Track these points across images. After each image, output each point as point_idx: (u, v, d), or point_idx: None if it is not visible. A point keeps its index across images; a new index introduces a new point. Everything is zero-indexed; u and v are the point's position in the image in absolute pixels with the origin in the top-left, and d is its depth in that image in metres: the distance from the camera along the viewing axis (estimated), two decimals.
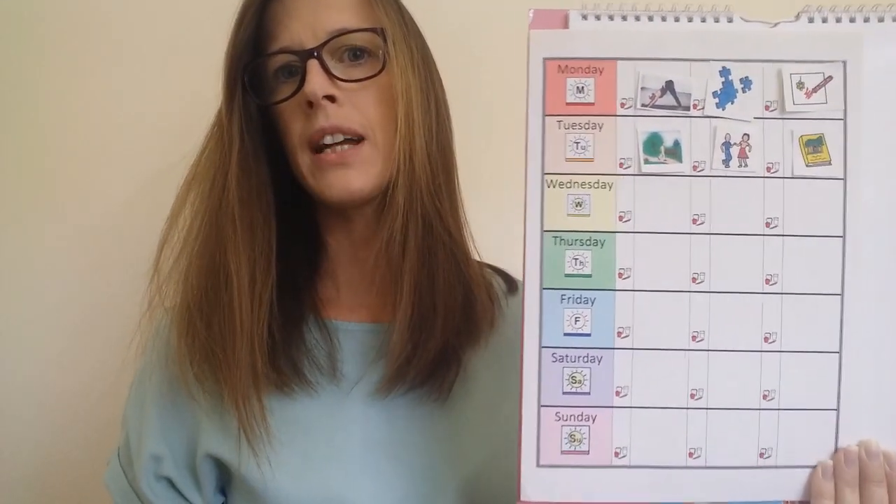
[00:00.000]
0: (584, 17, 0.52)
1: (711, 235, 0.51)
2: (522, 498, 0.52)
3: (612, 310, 0.51)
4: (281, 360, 0.63)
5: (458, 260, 0.64)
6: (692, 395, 0.51)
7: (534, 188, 0.52)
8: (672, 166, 0.52)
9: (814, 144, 0.51)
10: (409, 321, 0.62)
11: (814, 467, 0.51)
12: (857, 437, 0.51)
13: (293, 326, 0.65)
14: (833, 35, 0.51)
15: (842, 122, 0.51)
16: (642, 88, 0.52)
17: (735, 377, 0.51)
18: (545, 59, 0.52)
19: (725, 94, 0.52)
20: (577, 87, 0.52)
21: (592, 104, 0.52)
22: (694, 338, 0.51)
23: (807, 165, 0.51)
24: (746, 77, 0.52)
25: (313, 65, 0.61)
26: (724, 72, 0.52)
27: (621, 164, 0.52)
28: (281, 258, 0.65)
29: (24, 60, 0.91)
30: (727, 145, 0.52)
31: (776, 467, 0.52)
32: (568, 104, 0.52)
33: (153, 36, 0.91)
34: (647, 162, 0.52)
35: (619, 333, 0.51)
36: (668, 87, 0.52)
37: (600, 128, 0.52)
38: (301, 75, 0.61)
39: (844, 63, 0.51)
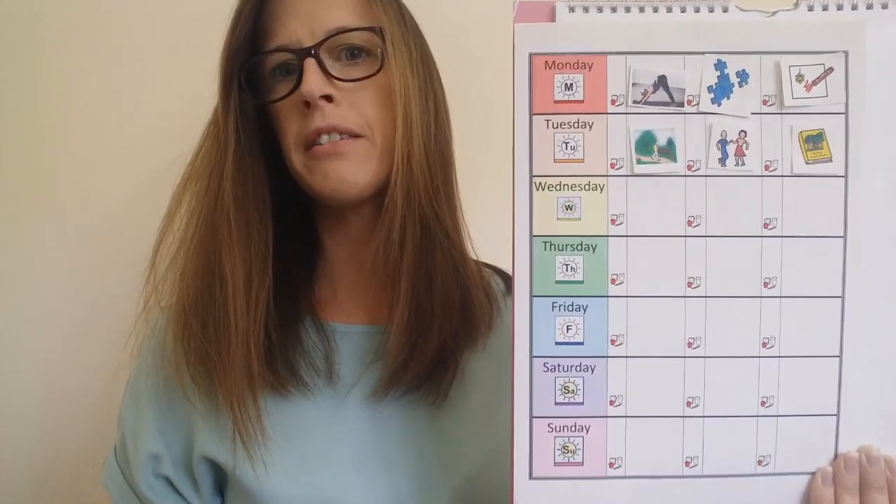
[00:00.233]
0: (572, 10, 0.49)
1: (707, 238, 0.49)
2: None
3: (605, 317, 0.50)
4: (277, 361, 0.62)
5: (455, 261, 0.63)
6: (688, 404, 0.50)
7: (522, 191, 0.50)
8: (666, 166, 0.49)
9: (814, 140, 0.49)
10: (406, 324, 0.61)
11: (813, 474, 0.50)
12: (857, 442, 0.50)
13: (290, 328, 0.64)
14: (834, 24, 0.49)
15: (843, 116, 0.49)
16: (634, 84, 0.49)
17: (732, 384, 0.50)
18: (531, 55, 0.49)
19: (721, 89, 0.49)
20: (566, 84, 0.49)
21: (582, 102, 0.49)
22: (690, 344, 0.50)
23: (806, 163, 0.49)
24: (743, 70, 0.49)
25: (310, 64, 0.60)
26: (720, 65, 0.49)
27: (613, 165, 0.50)
28: (277, 259, 0.64)
29: (22, 60, 0.91)
30: (723, 143, 0.49)
31: (775, 474, 0.50)
32: (556, 102, 0.49)
33: (150, 35, 0.91)
34: (639, 162, 0.49)
35: (613, 341, 0.50)
36: (661, 82, 0.49)
37: (590, 127, 0.49)
38: (298, 74, 0.60)
39: (846, 53, 0.49)
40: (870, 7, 0.49)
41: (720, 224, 0.49)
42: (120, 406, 0.68)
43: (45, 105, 0.91)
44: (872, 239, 0.49)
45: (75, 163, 0.92)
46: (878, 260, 0.50)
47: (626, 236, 0.50)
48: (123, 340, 0.67)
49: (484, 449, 0.63)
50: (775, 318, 0.50)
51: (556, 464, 0.50)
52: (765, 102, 0.49)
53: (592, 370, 0.50)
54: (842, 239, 0.49)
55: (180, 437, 0.64)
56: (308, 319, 0.66)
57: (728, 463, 0.50)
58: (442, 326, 0.61)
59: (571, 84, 0.49)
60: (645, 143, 0.49)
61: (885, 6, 0.49)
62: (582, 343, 0.50)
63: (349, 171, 0.61)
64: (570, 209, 0.50)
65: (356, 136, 0.61)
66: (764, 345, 0.50)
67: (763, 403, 0.50)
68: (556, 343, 0.50)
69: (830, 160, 0.49)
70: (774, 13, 0.49)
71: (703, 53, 0.49)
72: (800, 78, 0.49)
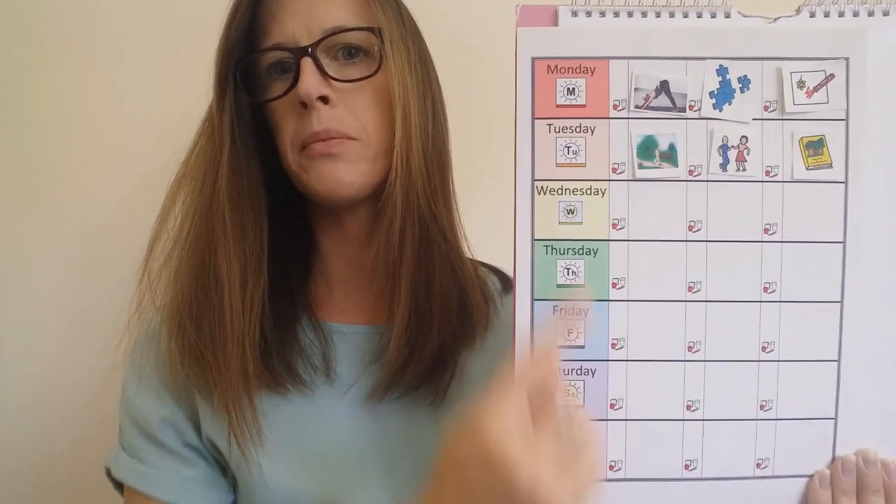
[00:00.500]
0: (575, 14, 0.50)
1: (708, 243, 0.50)
2: None
3: (606, 321, 0.50)
4: (274, 360, 0.62)
5: (452, 262, 0.63)
6: (688, 407, 0.50)
7: (523, 195, 0.50)
8: (667, 171, 0.50)
9: (814, 146, 0.49)
10: (405, 326, 0.61)
11: (811, 477, 0.51)
12: (854, 445, 0.50)
13: (286, 326, 0.64)
14: (835, 30, 0.49)
15: (844, 122, 0.49)
16: (636, 89, 0.49)
17: (732, 388, 0.50)
18: (534, 59, 0.49)
19: (723, 95, 0.49)
20: (568, 89, 0.49)
21: (584, 106, 0.49)
22: (690, 348, 0.50)
23: (807, 168, 0.49)
24: (745, 76, 0.49)
25: (307, 63, 0.59)
26: (722, 70, 0.49)
27: (615, 169, 0.50)
28: (273, 258, 0.63)
29: (18, 60, 0.91)
30: (725, 148, 0.49)
31: (773, 477, 0.51)
32: (558, 106, 0.49)
33: (146, 34, 0.91)
34: (641, 166, 0.49)
35: (614, 345, 0.50)
36: (663, 87, 0.49)
37: (592, 131, 0.50)
38: (294, 73, 0.60)
39: (847, 60, 0.49)
40: (871, 14, 0.49)
41: (721, 229, 0.50)
42: (120, 404, 0.67)
43: (40, 103, 0.91)
44: (872, 244, 0.50)
45: (69, 161, 0.91)
46: (878, 265, 0.50)
47: (628, 241, 0.50)
48: (113, 340, 0.67)
49: None
50: (775, 322, 0.50)
51: None
52: (766, 108, 0.49)
53: (593, 373, 0.50)
54: (841, 244, 0.50)
55: (188, 416, 0.63)
56: (305, 318, 0.66)
57: (727, 466, 0.51)
58: (441, 327, 0.61)
59: (573, 88, 0.49)
60: (646, 148, 0.49)
61: (886, 13, 0.49)
62: (583, 346, 0.50)
63: (344, 171, 0.61)
64: (572, 213, 0.50)
65: (351, 140, 0.61)
66: (763, 349, 0.50)
67: (762, 407, 0.50)
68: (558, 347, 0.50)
69: (831, 166, 0.49)
70: (776, 19, 0.50)
71: (704, 59, 0.49)
72: (801, 84, 0.49)
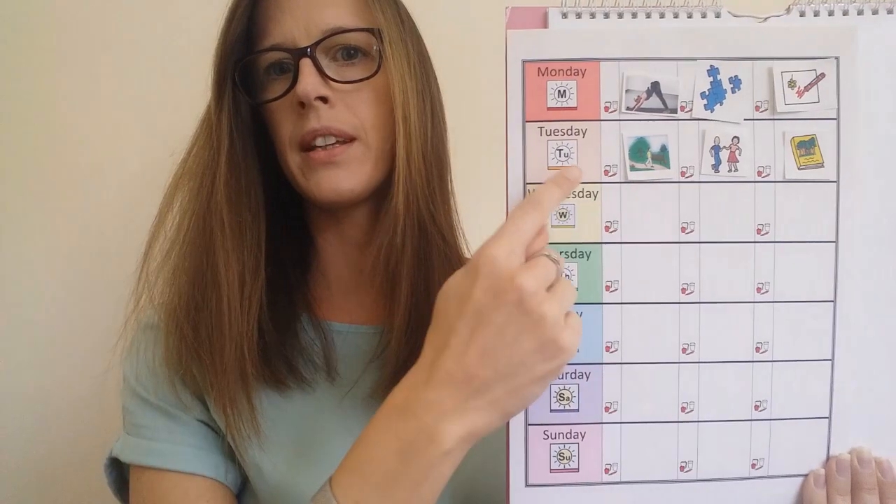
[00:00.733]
0: (565, 16, 0.49)
1: (701, 244, 0.50)
2: None
3: (600, 324, 0.50)
4: (275, 358, 0.62)
5: (451, 263, 0.63)
6: (683, 409, 0.50)
7: (516, 199, 0.49)
8: (659, 172, 0.49)
9: (806, 146, 0.49)
10: (405, 326, 0.61)
11: (806, 476, 0.51)
12: (848, 445, 0.51)
13: (286, 325, 0.64)
14: (825, 29, 0.49)
15: (835, 121, 0.49)
16: (627, 91, 0.49)
17: (726, 389, 0.50)
18: (524, 62, 0.49)
19: (714, 95, 0.49)
20: (559, 91, 0.49)
21: (575, 108, 0.49)
22: (684, 350, 0.50)
23: (799, 168, 0.49)
24: (736, 76, 0.49)
25: (306, 64, 0.59)
26: (713, 71, 0.49)
27: (606, 172, 0.49)
28: (271, 258, 0.63)
29: (18, 61, 0.91)
30: (716, 149, 0.49)
31: (768, 477, 0.51)
32: (549, 109, 0.49)
33: (145, 35, 0.91)
34: (633, 168, 0.49)
35: (608, 348, 0.50)
36: (654, 88, 0.49)
37: (584, 134, 0.49)
38: (293, 74, 0.60)
39: (837, 59, 0.49)
40: (860, 13, 0.49)
41: (714, 230, 0.50)
42: (122, 386, 0.66)
43: (37, 104, 0.91)
44: (864, 243, 0.50)
45: (67, 162, 0.92)
46: (870, 264, 0.50)
47: (620, 243, 0.50)
48: (115, 340, 0.67)
49: (481, 448, 0.62)
50: (768, 322, 0.50)
51: (551, 471, 0.50)
52: (757, 108, 0.49)
53: (587, 377, 0.50)
54: (834, 244, 0.50)
55: (193, 393, 0.62)
56: (305, 317, 0.66)
57: (722, 467, 0.51)
58: None
59: (564, 91, 0.49)
60: (638, 150, 0.49)
61: (875, 11, 0.49)
62: (577, 350, 0.50)
63: (345, 178, 0.61)
64: (564, 216, 0.49)
65: (350, 138, 0.61)
66: (757, 349, 0.50)
67: (756, 407, 0.50)
68: None
69: (822, 166, 0.49)
70: (766, 19, 0.50)
71: (695, 60, 0.49)
72: (792, 84, 0.49)
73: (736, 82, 0.49)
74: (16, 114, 0.91)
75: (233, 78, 0.62)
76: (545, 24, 0.49)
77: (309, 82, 0.58)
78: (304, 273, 0.69)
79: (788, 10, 0.50)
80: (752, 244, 0.50)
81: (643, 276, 0.50)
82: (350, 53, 0.61)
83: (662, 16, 0.49)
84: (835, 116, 0.49)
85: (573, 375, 0.50)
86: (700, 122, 0.49)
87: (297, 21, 0.60)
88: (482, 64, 0.83)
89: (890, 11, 0.49)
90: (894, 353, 0.50)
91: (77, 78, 0.91)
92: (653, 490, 0.50)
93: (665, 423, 0.50)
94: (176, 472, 0.60)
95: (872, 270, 0.50)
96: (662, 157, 0.49)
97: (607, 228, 0.49)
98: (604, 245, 0.50)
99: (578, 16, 0.49)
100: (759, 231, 0.50)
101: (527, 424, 0.50)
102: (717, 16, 0.49)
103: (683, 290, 0.50)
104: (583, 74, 0.49)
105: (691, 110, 0.49)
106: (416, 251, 0.61)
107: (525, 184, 0.49)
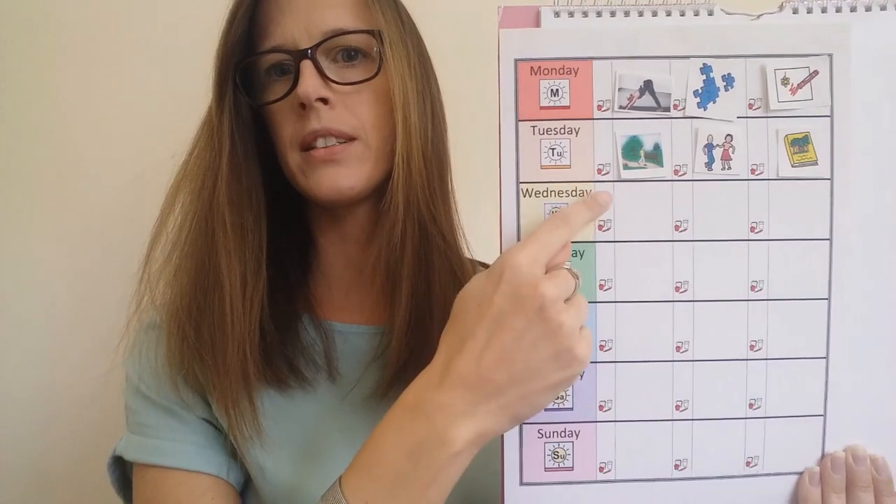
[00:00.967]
0: (557, 15, 0.49)
1: (695, 242, 0.50)
2: None
3: (594, 323, 0.50)
4: (276, 357, 0.62)
5: (452, 263, 0.63)
6: (677, 407, 0.50)
7: (509, 198, 0.49)
8: (653, 171, 0.49)
9: (799, 143, 0.49)
10: (406, 327, 0.62)
11: (801, 474, 0.51)
12: (843, 442, 0.51)
13: (288, 325, 0.64)
14: (818, 27, 0.49)
15: (828, 119, 0.49)
16: (620, 89, 0.49)
17: (721, 387, 0.50)
18: (516, 61, 0.49)
19: (707, 93, 0.49)
20: (552, 90, 0.49)
21: (568, 107, 0.49)
22: (678, 348, 0.50)
23: (792, 166, 0.49)
24: (729, 74, 0.49)
25: (307, 65, 0.59)
26: (706, 69, 0.49)
27: (600, 171, 0.49)
28: (272, 259, 0.64)
29: (19, 61, 0.91)
30: (710, 147, 0.49)
31: (763, 475, 0.51)
32: (542, 108, 0.49)
33: (146, 35, 0.91)
34: (626, 167, 0.49)
35: (602, 347, 0.50)
36: (647, 86, 0.49)
37: (577, 132, 0.49)
38: (294, 75, 0.60)
39: (831, 56, 0.49)
40: (853, 10, 0.49)
41: (707, 228, 0.49)
42: (125, 386, 0.66)
43: (38, 105, 0.91)
44: (858, 241, 0.50)
45: (69, 162, 0.92)
46: (864, 262, 0.50)
47: (614, 242, 0.50)
48: (117, 341, 0.67)
49: (484, 449, 0.63)
50: (763, 320, 0.50)
51: (546, 469, 0.50)
52: (750, 106, 0.49)
53: (581, 376, 0.50)
54: (828, 241, 0.50)
55: (195, 391, 0.62)
56: (306, 317, 0.66)
57: (717, 465, 0.51)
58: (441, 328, 0.61)
59: (557, 90, 0.49)
60: (631, 149, 0.49)
61: (868, 8, 0.49)
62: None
63: (345, 176, 0.61)
64: None
65: (350, 138, 0.61)
66: (752, 347, 0.50)
67: (751, 405, 0.50)
68: None
69: (816, 163, 0.49)
70: (759, 16, 0.49)
71: (688, 58, 0.49)
72: (785, 81, 0.49)
73: (729, 80, 0.49)
74: (16, 114, 0.91)
75: (234, 79, 0.62)
76: (538, 24, 0.49)
77: (310, 84, 0.59)
78: (305, 273, 0.69)
79: (781, 8, 0.49)
80: (746, 242, 0.50)
81: (637, 274, 0.50)
82: (350, 55, 0.62)
83: (655, 14, 0.49)
84: (828, 114, 0.49)
85: None
86: (693, 120, 0.49)
87: (297, 23, 0.61)
88: (482, 64, 0.84)
89: (883, 8, 0.49)
90: (889, 350, 0.50)
91: (77, 78, 0.91)
92: (647, 489, 0.51)
93: (659, 421, 0.50)
94: (179, 469, 0.60)
95: (867, 268, 0.50)
96: (655, 156, 0.49)
97: (601, 227, 0.49)
98: (597, 244, 0.50)
99: (571, 14, 0.49)
100: (752, 229, 0.49)
101: (521, 423, 0.50)
102: (710, 14, 0.49)
103: (677, 289, 0.50)
104: (575, 73, 0.49)
105: (684, 108, 0.49)
106: (417, 251, 0.61)
107: (518, 183, 0.49)
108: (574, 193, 0.49)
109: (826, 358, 0.50)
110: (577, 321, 0.45)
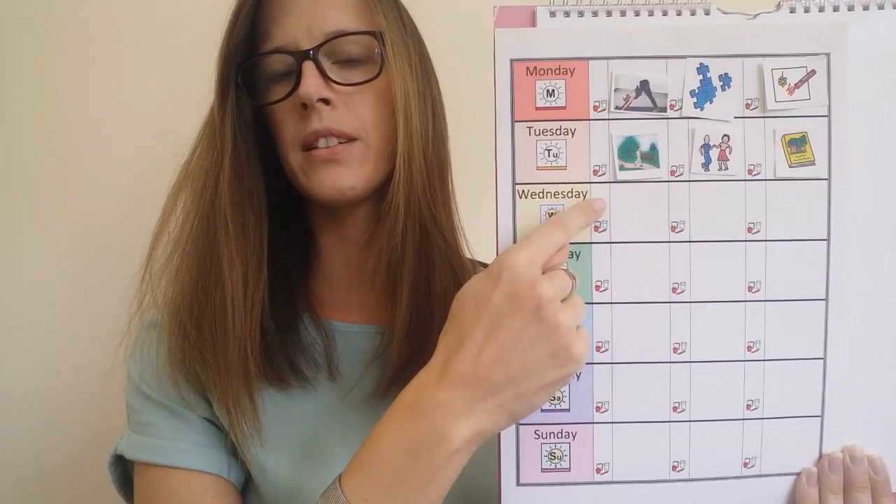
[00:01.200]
0: (553, 14, 0.49)
1: (692, 243, 0.49)
2: None
3: (590, 324, 0.50)
4: (277, 356, 0.62)
5: (452, 263, 0.63)
6: (674, 409, 0.50)
7: (504, 199, 0.49)
8: (649, 172, 0.49)
9: (797, 144, 0.49)
10: (406, 326, 0.62)
11: (798, 474, 0.51)
12: (841, 443, 0.50)
13: (288, 324, 0.65)
14: (816, 26, 0.49)
15: (826, 118, 0.49)
16: (616, 89, 0.49)
17: (718, 388, 0.50)
18: (512, 61, 0.49)
19: (704, 93, 0.49)
20: (548, 91, 0.49)
21: (564, 108, 0.49)
22: (675, 350, 0.50)
23: (790, 166, 0.49)
24: (726, 74, 0.49)
25: (309, 66, 0.60)
26: (702, 69, 0.49)
27: (596, 172, 0.49)
28: (273, 258, 0.64)
29: (21, 61, 0.91)
30: (706, 147, 0.49)
31: (760, 476, 0.51)
32: (538, 109, 0.49)
33: (148, 36, 0.91)
34: (622, 168, 0.49)
35: (598, 348, 0.50)
36: (644, 87, 0.49)
37: (573, 133, 0.49)
38: (296, 76, 0.60)
39: (828, 56, 0.48)
40: (851, 9, 0.48)
41: (704, 229, 0.49)
42: (126, 384, 0.66)
43: (39, 105, 0.92)
44: (856, 241, 0.49)
45: (71, 162, 0.92)
46: (862, 262, 0.50)
47: (610, 243, 0.49)
48: (118, 340, 0.67)
49: (483, 448, 0.63)
50: (760, 321, 0.50)
51: (543, 470, 0.50)
52: (748, 106, 0.49)
53: (578, 377, 0.50)
54: (825, 242, 0.49)
55: (196, 390, 0.63)
56: (306, 317, 0.66)
57: (714, 466, 0.51)
58: (442, 327, 0.62)
59: (553, 90, 0.49)
60: (627, 149, 0.49)
61: (866, 7, 0.48)
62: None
63: (346, 176, 0.61)
64: None
65: (351, 139, 0.61)
66: (749, 348, 0.50)
67: (748, 406, 0.50)
68: None
69: (813, 163, 0.49)
70: (756, 15, 0.49)
71: (685, 57, 0.49)
72: (782, 81, 0.49)
73: (726, 80, 0.49)
74: (16, 114, 0.92)
75: (236, 80, 0.62)
76: (533, 23, 0.49)
77: (311, 85, 0.59)
78: (305, 273, 0.69)
79: (779, 7, 0.49)
80: (743, 243, 0.49)
81: (633, 275, 0.49)
82: (352, 56, 0.62)
83: (651, 14, 0.49)
84: (826, 113, 0.49)
85: None
86: (690, 120, 0.49)
87: (299, 24, 0.61)
88: (482, 64, 0.84)
89: (881, 7, 0.48)
90: (886, 351, 0.50)
91: (78, 78, 0.91)
92: (645, 490, 0.51)
93: (657, 422, 0.50)
94: (180, 468, 0.61)
95: (865, 268, 0.50)
96: (652, 157, 0.49)
97: (596, 228, 0.49)
98: (593, 245, 0.49)
99: (567, 14, 0.49)
100: (749, 230, 0.49)
101: (518, 424, 0.50)
102: (707, 13, 0.49)
103: (674, 290, 0.49)
104: (571, 73, 0.49)
105: (681, 109, 0.49)
106: (417, 251, 0.62)
107: (514, 184, 0.49)
108: (570, 195, 0.49)
109: (824, 359, 0.50)
110: (573, 320, 0.46)
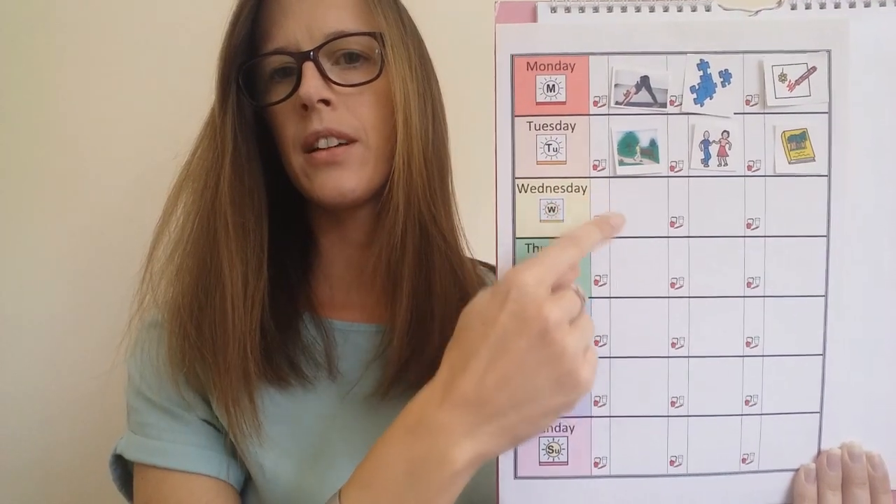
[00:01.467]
0: (554, 10, 0.49)
1: (690, 238, 0.49)
2: None
3: (589, 317, 0.49)
4: (277, 355, 0.63)
5: (452, 263, 0.63)
6: (672, 403, 0.50)
7: (504, 194, 0.50)
8: (648, 167, 0.49)
9: (797, 140, 0.49)
10: (407, 326, 0.62)
11: (797, 471, 0.51)
12: (839, 439, 0.50)
13: (288, 323, 0.65)
14: (817, 23, 0.49)
15: (826, 115, 0.49)
16: (616, 85, 0.49)
17: (716, 384, 0.50)
18: (513, 56, 0.49)
19: (704, 89, 0.49)
20: (548, 86, 0.49)
21: (564, 103, 0.49)
22: (674, 344, 0.50)
23: (789, 162, 0.49)
24: (726, 70, 0.49)
25: (309, 67, 0.60)
26: (703, 65, 0.49)
27: (595, 166, 0.49)
28: (274, 258, 0.64)
29: (22, 62, 0.92)
30: (706, 143, 0.49)
31: (759, 472, 0.51)
32: (538, 104, 0.49)
33: (149, 36, 0.92)
34: (622, 163, 0.49)
35: (597, 342, 0.50)
36: (644, 82, 0.49)
37: (573, 128, 0.49)
38: (297, 77, 0.60)
39: (829, 52, 0.49)
40: (852, 6, 0.49)
41: (703, 224, 0.49)
42: (127, 384, 0.66)
43: (40, 106, 0.92)
44: (855, 238, 0.49)
45: (72, 162, 0.92)
46: (861, 258, 0.50)
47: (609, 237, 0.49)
48: (118, 339, 0.67)
49: None
50: (759, 317, 0.50)
51: (540, 463, 0.50)
52: (748, 102, 0.49)
53: None
54: (825, 238, 0.49)
55: (196, 391, 0.63)
56: (307, 316, 0.66)
57: (712, 461, 0.51)
58: (442, 327, 0.62)
59: (553, 85, 0.49)
60: (627, 145, 0.49)
61: (867, 4, 0.49)
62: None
63: (347, 179, 0.61)
64: (553, 211, 0.49)
65: (351, 140, 0.61)
66: (748, 344, 0.50)
67: (747, 402, 0.50)
68: None
69: (813, 159, 0.49)
70: (757, 12, 0.49)
71: (685, 53, 0.49)
72: (783, 77, 0.49)
73: (726, 76, 0.49)
74: (17, 114, 0.92)
75: (237, 81, 0.63)
76: (534, 19, 0.49)
77: (312, 85, 0.59)
78: (306, 272, 0.69)
79: (779, 4, 0.49)
80: (742, 239, 0.49)
81: (632, 270, 0.50)
82: (352, 57, 0.62)
83: (652, 10, 0.49)
84: (826, 110, 0.49)
85: None
86: (690, 116, 0.49)
87: (299, 25, 0.61)
88: (482, 64, 0.84)
89: (882, 4, 0.48)
90: (886, 347, 0.50)
91: (78, 78, 0.92)
92: (642, 484, 0.50)
93: (655, 417, 0.50)
94: (179, 471, 0.61)
95: (865, 265, 0.50)
96: (651, 152, 0.49)
97: None
98: None
99: (567, 10, 0.49)
100: (749, 226, 0.49)
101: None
102: (708, 10, 0.49)
103: (672, 285, 0.50)
104: (572, 69, 0.49)
105: (681, 104, 0.49)
106: (417, 252, 0.62)
107: (514, 178, 0.50)
108: (570, 189, 0.49)
109: (823, 355, 0.50)
110: (581, 343, 0.45)
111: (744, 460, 0.51)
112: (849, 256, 0.49)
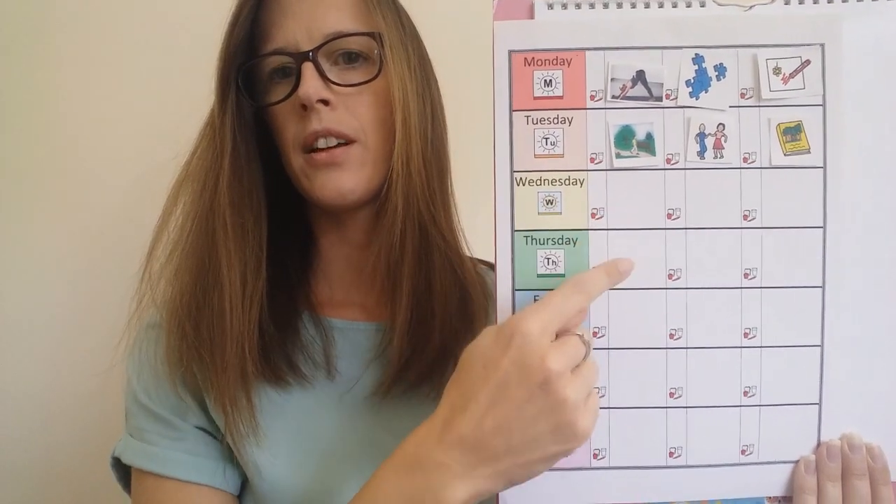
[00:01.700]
0: (551, 7, 0.50)
1: (687, 230, 0.50)
2: (501, 503, 0.51)
3: (588, 309, 0.50)
4: (275, 354, 0.63)
5: (452, 262, 0.63)
6: (671, 395, 0.50)
7: (503, 187, 0.50)
8: (645, 160, 0.50)
9: (792, 132, 0.49)
10: (407, 326, 0.62)
11: (796, 462, 0.51)
12: (839, 430, 0.51)
13: (287, 322, 0.65)
14: (810, 17, 0.49)
15: (821, 108, 0.49)
16: (612, 79, 0.50)
17: (715, 375, 0.50)
18: (511, 52, 0.50)
19: (699, 83, 0.50)
20: (545, 81, 0.50)
21: (561, 98, 0.50)
22: (672, 336, 0.50)
23: (785, 154, 0.50)
24: (721, 64, 0.49)
25: (308, 67, 0.60)
26: (698, 59, 0.49)
27: (592, 159, 0.50)
28: (273, 258, 0.64)
29: (21, 62, 0.92)
30: (702, 136, 0.50)
31: (758, 463, 0.51)
32: (536, 98, 0.50)
33: (148, 37, 0.92)
34: (619, 156, 0.50)
35: (595, 333, 0.50)
36: (640, 77, 0.49)
37: (570, 122, 0.50)
38: (296, 77, 0.61)
39: (822, 46, 0.49)
40: (846, 0, 0.49)
41: (700, 216, 0.50)
42: (125, 387, 0.66)
43: (40, 106, 0.92)
44: (851, 228, 0.50)
45: (71, 162, 0.92)
46: (858, 249, 0.50)
47: (607, 230, 0.50)
48: (117, 339, 0.67)
49: None
50: (756, 308, 0.50)
51: None
52: (742, 95, 0.50)
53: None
54: (821, 229, 0.50)
55: (193, 396, 0.63)
56: (306, 315, 0.66)
57: (712, 453, 0.51)
58: (442, 326, 0.62)
59: (551, 80, 0.50)
60: (624, 138, 0.50)
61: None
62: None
63: (347, 180, 0.62)
64: (551, 203, 0.50)
65: (350, 140, 0.62)
66: (746, 335, 0.50)
67: (746, 393, 0.50)
68: None
69: (809, 151, 0.50)
70: (752, 7, 0.50)
71: (681, 48, 0.49)
72: (777, 71, 0.49)
73: (721, 70, 0.49)
74: (17, 114, 0.92)
75: (236, 81, 0.63)
76: (531, 15, 0.50)
77: (311, 86, 0.59)
78: (305, 272, 0.69)
79: None
80: (739, 230, 0.50)
81: None
82: (351, 57, 0.62)
83: (647, 5, 0.50)
84: (821, 103, 0.49)
85: None
86: (685, 109, 0.50)
87: (299, 25, 0.61)
88: (481, 64, 0.84)
89: None
90: (885, 338, 0.50)
91: (78, 78, 0.92)
92: (642, 476, 0.51)
93: (653, 408, 0.50)
94: (175, 479, 0.61)
95: (862, 256, 0.50)
96: (648, 145, 0.50)
97: (593, 215, 0.50)
98: (590, 231, 0.50)
99: (564, 7, 0.50)
100: (745, 217, 0.50)
101: None
102: (703, 4, 0.50)
103: (670, 276, 0.50)
104: (569, 64, 0.50)
105: (676, 98, 0.50)
106: (417, 252, 0.62)
107: (512, 172, 0.50)
108: (567, 182, 0.50)
109: (821, 346, 0.50)
110: (581, 393, 0.45)
111: (743, 452, 0.51)
112: (846, 247, 0.50)
